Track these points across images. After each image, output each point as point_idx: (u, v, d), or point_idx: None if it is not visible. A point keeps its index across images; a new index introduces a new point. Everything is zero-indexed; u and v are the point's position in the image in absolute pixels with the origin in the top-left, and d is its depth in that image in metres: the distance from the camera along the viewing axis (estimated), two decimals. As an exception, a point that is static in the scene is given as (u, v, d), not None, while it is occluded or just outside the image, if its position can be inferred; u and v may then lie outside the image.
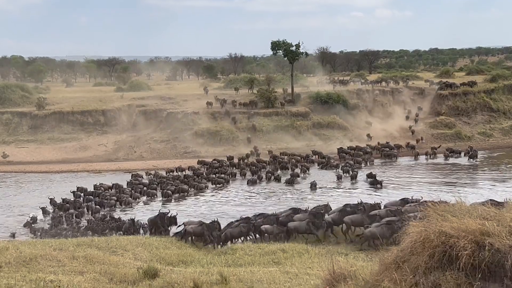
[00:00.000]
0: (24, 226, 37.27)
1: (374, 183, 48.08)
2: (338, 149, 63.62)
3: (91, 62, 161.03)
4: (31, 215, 38.92)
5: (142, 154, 67.43)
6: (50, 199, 43.53)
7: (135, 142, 70.28)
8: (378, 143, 66.34)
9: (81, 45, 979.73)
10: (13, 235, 34.18)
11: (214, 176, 52.46)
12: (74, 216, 39.29)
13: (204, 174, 53.76)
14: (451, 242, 6.82)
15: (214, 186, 50.26)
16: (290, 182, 49.94)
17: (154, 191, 47.28)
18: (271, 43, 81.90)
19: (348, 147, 64.75)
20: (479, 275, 6.60)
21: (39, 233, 35.01)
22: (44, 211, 40.85)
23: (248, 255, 22.72)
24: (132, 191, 47.19)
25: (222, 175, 52.61)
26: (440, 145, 65.74)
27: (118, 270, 16.84)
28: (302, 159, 59.65)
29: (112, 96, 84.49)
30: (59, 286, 14.05)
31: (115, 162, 64.29)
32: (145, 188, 47.82)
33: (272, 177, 51.89)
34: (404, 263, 7.26)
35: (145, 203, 45.05)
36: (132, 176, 53.04)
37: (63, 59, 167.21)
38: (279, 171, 55.09)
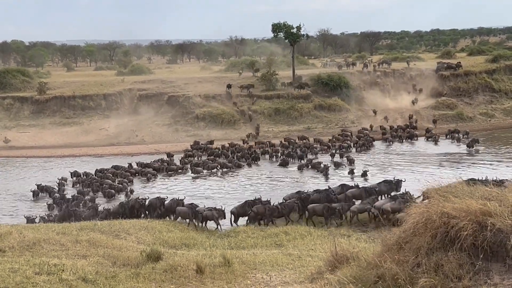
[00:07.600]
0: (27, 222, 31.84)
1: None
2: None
3: (91, 46, 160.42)
4: (25, 215, 33.76)
5: (144, 138, 67.34)
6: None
7: (137, 126, 70.16)
8: (381, 126, 66.35)
9: (82, 29, 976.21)
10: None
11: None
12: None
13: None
14: (453, 223, 6.81)
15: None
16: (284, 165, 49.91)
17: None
18: (272, 25, 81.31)
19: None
20: (481, 255, 6.60)
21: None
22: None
23: (251, 238, 22.83)
24: None
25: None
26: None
27: (121, 254, 16.92)
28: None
29: (113, 80, 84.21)
30: (63, 270, 14.11)
31: (116, 146, 64.26)
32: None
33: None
34: (406, 244, 7.27)
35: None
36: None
37: (64, 44, 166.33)
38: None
